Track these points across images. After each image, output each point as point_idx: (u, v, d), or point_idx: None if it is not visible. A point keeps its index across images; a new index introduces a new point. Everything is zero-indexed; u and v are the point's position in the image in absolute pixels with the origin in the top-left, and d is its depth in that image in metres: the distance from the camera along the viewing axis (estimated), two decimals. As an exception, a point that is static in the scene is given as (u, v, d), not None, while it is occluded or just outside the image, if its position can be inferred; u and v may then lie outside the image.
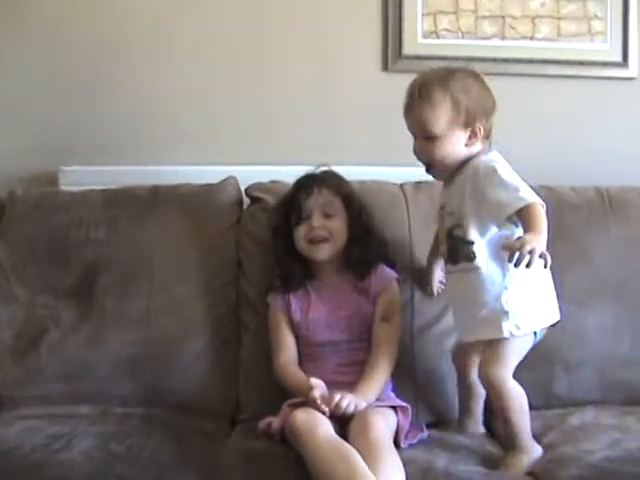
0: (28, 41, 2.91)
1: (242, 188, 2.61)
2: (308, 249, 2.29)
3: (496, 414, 2.11)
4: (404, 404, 2.13)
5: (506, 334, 2.00)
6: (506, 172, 2.03)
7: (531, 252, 1.79)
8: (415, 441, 2.08)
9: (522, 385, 2.24)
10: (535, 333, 2.06)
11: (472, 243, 2.05)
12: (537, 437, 2.09)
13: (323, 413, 1.97)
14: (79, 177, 2.77)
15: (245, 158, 2.81)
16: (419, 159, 2.18)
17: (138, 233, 2.48)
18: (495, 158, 2.09)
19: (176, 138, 2.90)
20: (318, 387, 2.02)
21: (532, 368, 2.33)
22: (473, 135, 2.09)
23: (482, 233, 2.05)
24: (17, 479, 1.80)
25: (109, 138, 2.90)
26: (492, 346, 2.03)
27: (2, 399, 2.32)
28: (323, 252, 2.29)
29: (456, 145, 2.09)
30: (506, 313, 2.01)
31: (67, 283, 2.44)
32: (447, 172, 2.14)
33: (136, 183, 2.61)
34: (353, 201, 2.34)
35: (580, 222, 2.50)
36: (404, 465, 1.82)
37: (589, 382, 2.39)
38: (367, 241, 2.32)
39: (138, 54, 2.92)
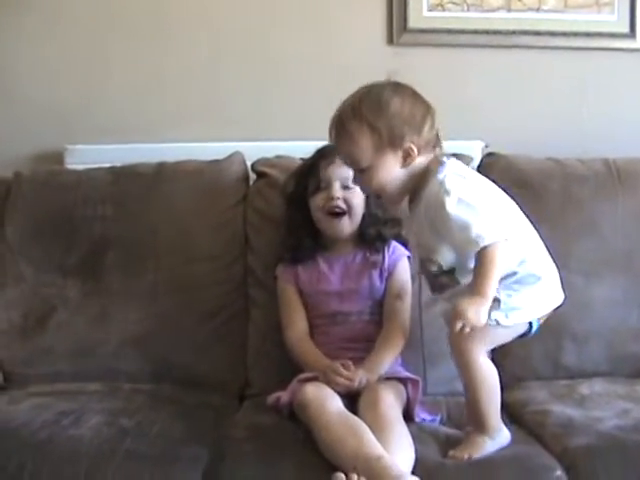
0: (33, 19, 2.90)
1: (248, 164, 2.60)
2: (325, 223, 2.28)
3: (464, 389, 2.00)
4: (414, 377, 2.12)
5: (492, 322, 1.85)
6: (456, 203, 1.82)
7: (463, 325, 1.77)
8: (429, 419, 2.08)
9: (530, 356, 2.25)
10: (530, 323, 1.96)
11: (452, 271, 1.93)
12: (545, 404, 2.11)
13: (341, 390, 1.99)
14: (85, 155, 2.77)
15: (250, 134, 2.80)
16: (363, 192, 2.15)
17: (144, 210, 2.49)
18: (449, 176, 1.87)
19: (181, 115, 2.89)
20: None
21: (540, 339, 2.33)
22: (406, 154, 1.89)
23: (458, 259, 1.90)
24: (27, 455, 1.79)
25: (114, 116, 2.89)
26: None
27: (11, 377, 2.34)
28: (343, 228, 2.27)
29: (391, 170, 1.89)
30: (497, 301, 1.86)
31: (74, 261, 2.45)
32: (399, 198, 1.98)
33: (142, 160, 2.61)
34: None
35: (588, 194, 2.49)
36: (414, 437, 1.83)
37: (597, 354, 2.39)
38: (383, 218, 2.31)
39: (142, 31, 2.91)
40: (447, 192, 1.83)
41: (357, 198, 2.26)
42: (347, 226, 2.27)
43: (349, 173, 2.18)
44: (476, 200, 1.84)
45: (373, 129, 1.87)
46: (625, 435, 1.88)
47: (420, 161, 1.91)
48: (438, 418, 2.11)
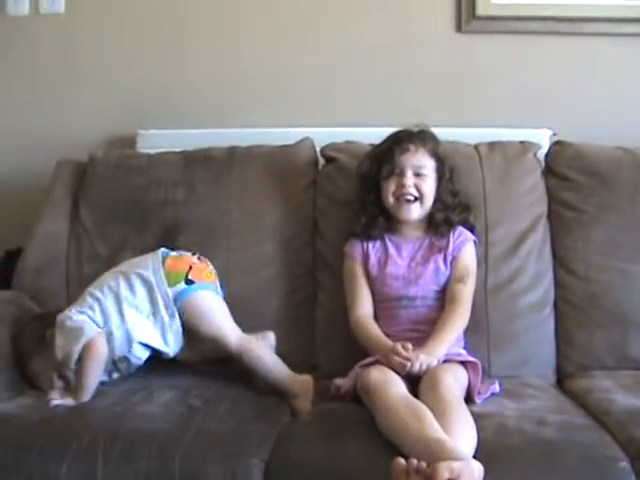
0: (108, 5, 2.98)
1: (317, 149, 2.63)
2: (396, 206, 2.31)
3: None
4: (473, 359, 2.13)
5: None
6: None
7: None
8: (488, 394, 2.09)
9: (595, 345, 2.28)
10: None
11: None
12: (610, 392, 2.10)
13: (400, 370, 2.00)
14: (157, 140, 2.83)
15: (320, 120, 2.83)
16: None
17: (215, 193, 2.54)
18: None
19: (252, 101, 2.93)
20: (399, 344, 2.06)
21: (605, 329, 2.36)
22: None
23: None
24: (100, 432, 1.85)
25: (186, 102, 2.95)
26: None
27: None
28: (413, 212, 2.31)
29: None
30: None
31: (147, 242, 2.49)
32: None
33: (213, 145, 2.66)
34: (445, 164, 2.35)
35: (657, 183, 2.46)
36: (475, 421, 1.83)
37: (665, 345, 2.36)
38: (452, 204, 2.34)
39: (214, 17, 2.96)
40: None
41: (428, 185, 2.30)
42: (417, 211, 2.31)
43: (422, 161, 2.27)
44: None
45: None
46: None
47: None
48: (498, 388, 2.13)
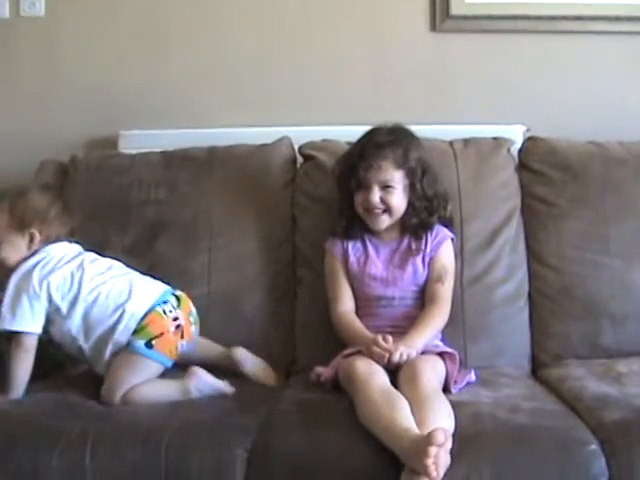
0: (88, 7, 3.00)
1: (296, 148, 2.66)
2: (366, 217, 2.33)
3: None
4: (451, 350, 2.18)
5: None
6: None
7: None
8: (464, 384, 2.13)
9: (570, 335, 2.34)
10: None
11: None
12: (582, 379, 2.13)
13: (380, 361, 2.04)
14: (138, 141, 2.85)
15: (298, 119, 2.86)
16: None
17: (196, 193, 2.57)
18: None
19: (231, 101, 2.97)
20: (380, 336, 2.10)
21: (579, 320, 2.40)
22: None
23: None
24: (90, 422, 1.90)
25: (166, 103, 2.98)
26: None
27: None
28: (382, 223, 2.32)
29: None
30: None
31: (129, 243, 2.53)
32: None
33: (193, 145, 2.68)
34: (415, 171, 2.32)
35: (627, 176, 2.51)
36: (452, 408, 1.87)
37: (636, 335, 2.39)
38: (427, 207, 2.34)
39: (194, 19, 2.99)
40: None
41: (396, 197, 2.30)
42: (386, 222, 2.32)
43: (388, 175, 2.27)
44: None
45: None
46: (661, 411, 1.89)
47: None
48: (474, 378, 2.17)
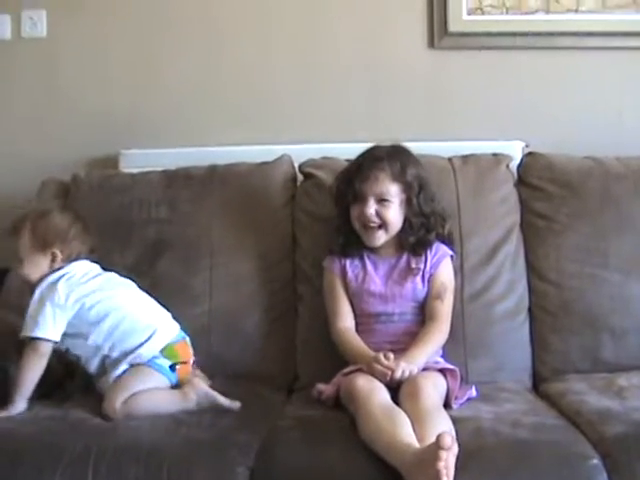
0: (85, 26, 3.03)
1: (296, 166, 2.67)
2: (362, 232, 2.33)
3: None
4: (452, 367, 2.18)
5: None
6: None
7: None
8: (464, 400, 2.13)
9: (570, 350, 2.34)
10: None
11: None
12: (583, 394, 2.14)
13: (382, 378, 2.04)
14: (139, 160, 2.87)
15: (298, 137, 2.88)
16: None
17: (197, 212, 2.58)
18: None
19: (231, 119, 2.98)
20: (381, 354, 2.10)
21: (579, 334, 2.41)
22: None
23: None
24: (93, 439, 1.90)
25: (166, 121, 3.00)
26: None
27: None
28: (378, 240, 2.33)
29: None
30: None
31: (131, 261, 2.53)
32: None
33: (194, 164, 2.70)
34: (412, 186, 2.32)
35: (626, 191, 2.52)
36: (453, 424, 1.87)
37: (636, 349, 2.40)
38: (424, 223, 2.35)
39: (193, 37, 3.01)
40: None
41: (392, 211, 2.30)
42: (382, 238, 2.33)
43: (384, 187, 2.28)
44: None
45: None
46: (663, 425, 1.89)
47: None
48: (475, 393, 2.17)
